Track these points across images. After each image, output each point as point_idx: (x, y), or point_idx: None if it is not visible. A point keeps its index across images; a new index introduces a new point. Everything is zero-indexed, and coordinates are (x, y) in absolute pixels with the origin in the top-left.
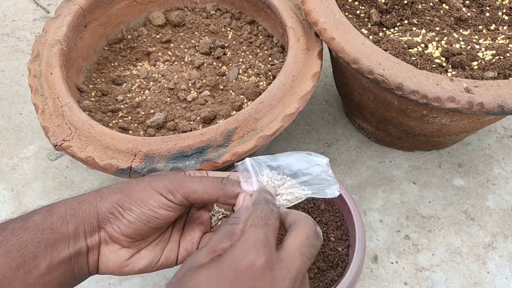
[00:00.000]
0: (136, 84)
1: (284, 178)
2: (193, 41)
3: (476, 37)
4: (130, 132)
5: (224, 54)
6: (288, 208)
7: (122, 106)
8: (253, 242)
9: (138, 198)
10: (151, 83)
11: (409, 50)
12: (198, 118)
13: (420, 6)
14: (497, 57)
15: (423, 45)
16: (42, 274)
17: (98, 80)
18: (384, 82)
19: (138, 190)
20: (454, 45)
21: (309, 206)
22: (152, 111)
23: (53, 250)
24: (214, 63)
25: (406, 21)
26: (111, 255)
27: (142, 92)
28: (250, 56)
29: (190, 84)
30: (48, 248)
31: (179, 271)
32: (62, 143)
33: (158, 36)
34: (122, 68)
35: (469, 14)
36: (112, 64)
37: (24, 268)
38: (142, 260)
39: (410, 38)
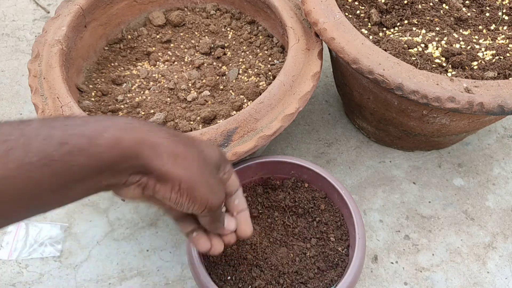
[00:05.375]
0: (136, 84)
1: None
2: (193, 41)
3: (476, 37)
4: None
5: (224, 54)
6: None
7: (122, 106)
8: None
9: None
10: (151, 83)
11: (409, 50)
12: (198, 118)
13: (420, 6)
14: (497, 57)
15: (423, 45)
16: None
17: (98, 80)
18: (384, 82)
19: None
20: (454, 45)
21: (309, 206)
22: (152, 111)
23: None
24: (214, 63)
25: (406, 21)
26: None
27: (142, 92)
28: (250, 56)
29: (190, 84)
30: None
31: None
32: None
33: (158, 36)
34: (122, 68)
35: (469, 14)
36: (112, 64)
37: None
38: None
39: (410, 38)
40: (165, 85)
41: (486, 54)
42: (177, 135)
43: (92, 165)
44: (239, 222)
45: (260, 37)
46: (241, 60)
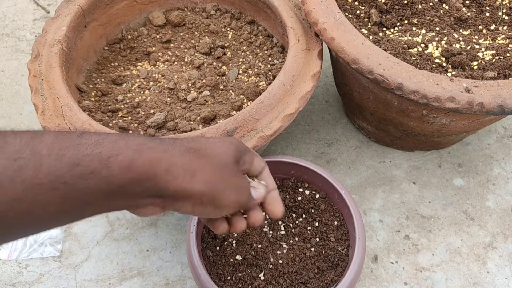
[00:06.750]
0: (136, 84)
1: None
2: (193, 41)
3: (476, 37)
4: (130, 132)
5: (224, 54)
6: None
7: (122, 106)
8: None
9: None
10: (151, 83)
11: (409, 50)
12: (198, 118)
13: (420, 6)
14: (497, 57)
15: (423, 45)
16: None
17: (98, 80)
18: (384, 82)
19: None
20: (454, 45)
21: (309, 206)
22: (152, 111)
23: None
24: (214, 63)
25: (406, 21)
26: None
27: (142, 92)
28: (250, 56)
29: (190, 84)
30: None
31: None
32: None
33: (158, 36)
34: (122, 68)
35: (469, 14)
36: (112, 64)
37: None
38: None
39: (410, 38)
40: (165, 85)
41: (486, 54)
42: (192, 148)
43: (103, 188)
44: (267, 203)
45: (260, 37)
46: (241, 60)
